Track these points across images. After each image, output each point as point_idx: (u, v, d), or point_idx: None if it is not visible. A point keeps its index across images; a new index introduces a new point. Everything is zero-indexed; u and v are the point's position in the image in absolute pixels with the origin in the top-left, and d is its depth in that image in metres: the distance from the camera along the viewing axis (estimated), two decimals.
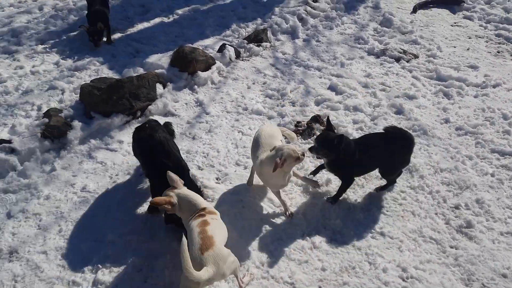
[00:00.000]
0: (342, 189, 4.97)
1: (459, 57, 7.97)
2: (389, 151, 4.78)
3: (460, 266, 4.35)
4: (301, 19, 8.90)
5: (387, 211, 4.94)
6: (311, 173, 5.30)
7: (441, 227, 4.77)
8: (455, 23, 9.20)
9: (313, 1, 9.41)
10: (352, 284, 4.16)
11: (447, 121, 6.37)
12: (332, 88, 7.07)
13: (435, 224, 4.80)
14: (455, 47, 8.32)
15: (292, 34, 8.56)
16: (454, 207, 5.01)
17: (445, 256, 4.46)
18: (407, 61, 7.79)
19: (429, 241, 4.61)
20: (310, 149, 4.72)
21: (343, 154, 4.57)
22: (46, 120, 5.81)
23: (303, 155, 4.45)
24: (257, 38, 8.23)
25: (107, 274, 4.22)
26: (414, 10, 9.55)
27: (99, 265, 4.30)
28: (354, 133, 6.05)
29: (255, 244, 4.54)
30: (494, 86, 7.08)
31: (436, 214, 4.93)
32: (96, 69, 7.27)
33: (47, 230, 4.70)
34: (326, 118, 4.89)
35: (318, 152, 4.68)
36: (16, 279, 4.21)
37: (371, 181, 5.33)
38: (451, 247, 4.55)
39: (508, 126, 6.20)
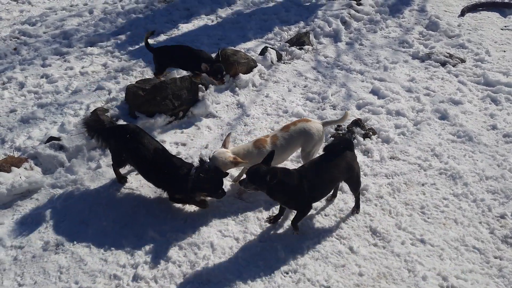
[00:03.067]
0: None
1: (509, 61, 7.72)
2: None
3: (505, 278, 4.20)
4: (344, 22, 8.86)
5: (428, 218, 4.83)
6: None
7: (485, 237, 4.62)
8: (505, 26, 8.92)
9: (357, 5, 9.34)
10: None
11: (494, 127, 6.18)
12: (374, 92, 7.00)
13: (479, 233, 4.66)
14: (505, 51, 8.06)
15: (335, 37, 8.53)
16: (499, 217, 4.85)
17: (488, 267, 4.31)
18: (453, 66, 7.61)
19: (472, 250, 4.48)
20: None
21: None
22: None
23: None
24: (299, 41, 8.24)
25: (146, 270, 4.32)
26: (462, 13, 9.32)
27: (139, 261, 4.40)
28: (396, 138, 5.95)
29: (290, 245, 4.54)
30: None
31: (480, 223, 4.79)
32: (141, 71, 7.47)
33: (90, 225, 4.86)
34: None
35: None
36: (61, 270, 4.36)
37: (412, 187, 5.23)
38: (495, 258, 4.41)
39: None
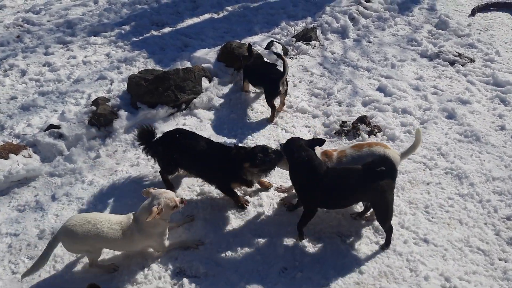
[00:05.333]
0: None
1: None
2: None
3: (509, 280, 4.09)
4: (352, 19, 8.73)
5: (432, 218, 4.71)
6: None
7: (490, 238, 4.50)
8: None
9: (365, 1, 9.20)
10: None
11: (502, 128, 6.06)
12: (381, 89, 6.88)
13: (484, 235, 4.54)
14: None
15: (342, 33, 8.40)
16: (505, 218, 4.73)
17: (493, 269, 4.20)
18: (462, 65, 7.47)
19: (476, 251, 4.37)
20: None
21: None
22: (94, 108, 5.94)
23: (182, 202, 4.15)
24: (306, 36, 8.12)
25: (142, 262, 4.24)
26: (473, 13, 9.17)
27: None
28: (402, 136, 5.83)
29: (289, 241, 4.45)
30: None
31: (485, 224, 4.67)
32: (144, 61, 7.40)
33: None
34: None
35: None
36: (56, 259, 4.30)
37: (417, 185, 5.12)
38: (500, 260, 4.30)
39: None
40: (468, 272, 4.15)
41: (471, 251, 4.37)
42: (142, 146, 5.08)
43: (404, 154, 4.66)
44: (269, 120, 6.14)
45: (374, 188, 4.10)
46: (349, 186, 4.21)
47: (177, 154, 4.88)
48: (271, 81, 6.02)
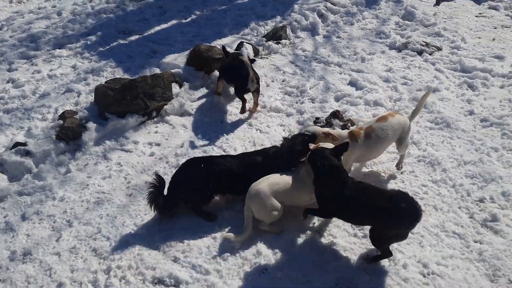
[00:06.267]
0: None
1: (484, 48, 7.68)
2: None
3: (485, 261, 4.11)
4: (321, 16, 8.77)
5: None
6: None
7: (464, 221, 4.53)
8: (480, 14, 8.91)
9: None
10: (372, 282, 3.96)
11: (471, 112, 6.12)
12: (352, 83, 6.90)
13: (459, 218, 4.57)
14: (480, 38, 8.03)
15: (312, 31, 8.43)
16: (478, 201, 4.77)
17: (469, 251, 4.22)
18: (430, 54, 7.55)
19: (452, 236, 4.38)
20: None
21: None
22: (61, 122, 5.81)
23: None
24: (276, 35, 8.12)
25: (119, 274, 4.15)
26: (438, 3, 9.32)
27: (111, 266, 4.23)
28: None
29: (269, 240, 4.40)
30: None
31: (459, 208, 4.70)
32: (112, 71, 7.29)
33: (61, 231, 4.66)
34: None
35: None
36: (29, 280, 4.17)
37: (391, 175, 5.13)
38: (475, 242, 4.32)
39: None
40: (445, 257, 4.17)
41: (447, 236, 4.38)
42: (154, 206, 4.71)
43: (411, 118, 5.12)
44: (240, 112, 6.21)
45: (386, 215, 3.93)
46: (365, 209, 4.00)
47: (212, 181, 4.68)
48: (240, 77, 6.07)
